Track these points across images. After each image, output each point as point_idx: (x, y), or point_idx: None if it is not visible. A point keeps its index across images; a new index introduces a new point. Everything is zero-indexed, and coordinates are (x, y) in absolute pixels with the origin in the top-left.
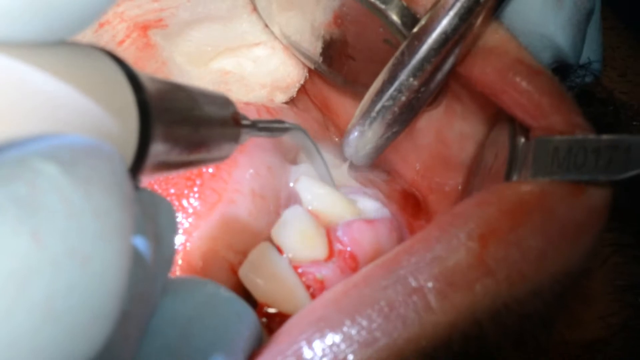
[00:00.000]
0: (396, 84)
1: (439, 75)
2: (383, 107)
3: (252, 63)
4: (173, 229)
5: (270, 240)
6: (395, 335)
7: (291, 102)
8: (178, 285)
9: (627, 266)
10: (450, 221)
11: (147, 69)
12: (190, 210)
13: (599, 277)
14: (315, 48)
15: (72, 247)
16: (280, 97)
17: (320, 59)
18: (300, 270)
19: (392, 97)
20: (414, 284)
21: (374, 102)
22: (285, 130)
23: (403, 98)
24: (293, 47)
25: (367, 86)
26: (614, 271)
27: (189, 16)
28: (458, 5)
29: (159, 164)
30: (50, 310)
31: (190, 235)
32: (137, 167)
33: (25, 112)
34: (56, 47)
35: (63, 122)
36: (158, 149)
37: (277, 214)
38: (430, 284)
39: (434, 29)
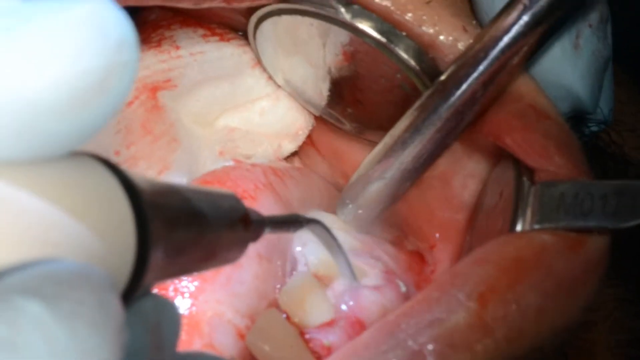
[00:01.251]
0: (413, 147)
1: (459, 129)
2: (392, 175)
3: (258, 116)
4: (176, 333)
5: (277, 304)
6: None
7: (298, 156)
8: None
9: (628, 321)
10: (450, 281)
11: (155, 131)
12: (196, 274)
13: (602, 332)
14: (321, 93)
15: None
16: (289, 147)
17: (327, 105)
18: (307, 337)
19: (404, 162)
20: (414, 347)
21: (384, 164)
22: (301, 224)
23: (421, 159)
24: (298, 95)
25: (376, 131)
26: (616, 326)
27: (197, 75)
28: (490, 57)
29: (164, 273)
30: None
31: (197, 299)
32: (137, 279)
33: (8, 236)
34: (41, 164)
35: (51, 243)
36: (159, 258)
37: (284, 278)
38: (430, 347)
39: (462, 81)
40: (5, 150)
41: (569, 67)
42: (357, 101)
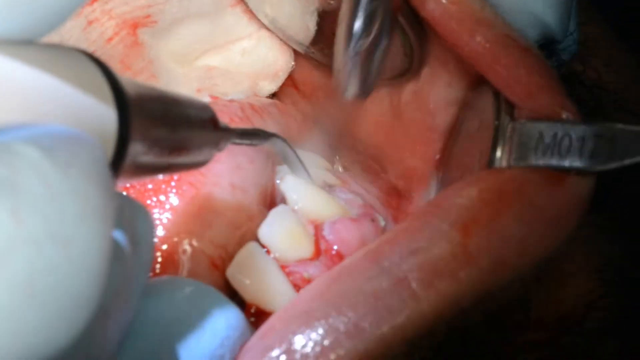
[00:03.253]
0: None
1: None
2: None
3: (239, 56)
4: (150, 234)
5: (255, 238)
6: (382, 325)
7: (277, 95)
8: (162, 285)
9: (602, 246)
10: (432, 212)
11: (134, 67)
12: (167, 206)
13: (578, 257)
14: (307, 30)
15: (53, 228)
16: (269, 87)
17: (312, 41)
18: (287, 270)
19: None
20: (399, 274)
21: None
22: (265, 138)
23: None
24: (282, 33)
25: None
26: (591, 251)
27: (177, 12)
28: None
29: (139, 166)
30: (31, 289)
31: (168, 230)
32: (116, 165)
33: (4, 103)
34: (37, 45)
35: (44, 114)
36: (137, 148)
37: (261, 210)
38: (415, 274)
39: None
40: None
41: None
42: None
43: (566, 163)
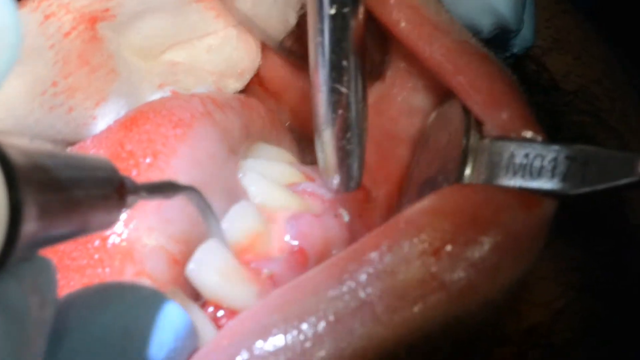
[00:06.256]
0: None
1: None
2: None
3: (204, 53)
4: (53, 289)
5: None
6: (341, 346)
7: (243, 93)
8: (107, 293)
9: (567, 249)
10: (403, 230)
11: (92, 62)
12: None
13: (545, 262)
14: (286, 23)
15: None
16: (234, 85)
17: (287, 37)
18: (248, 266)
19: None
20: (363, 296)
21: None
22: (177, 191)
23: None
24: (256, 26)
25: None
26: (557, 255)
27: (138, 6)
28: None
29: (37, 243)
30: None
31: (127, 227)
32: (7, 253)
33: None
34: None
35: None
36: (31, 232)
37: (222, 205)
38: (380, 298)
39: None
40: None
41: None
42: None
43: (537, 185)
